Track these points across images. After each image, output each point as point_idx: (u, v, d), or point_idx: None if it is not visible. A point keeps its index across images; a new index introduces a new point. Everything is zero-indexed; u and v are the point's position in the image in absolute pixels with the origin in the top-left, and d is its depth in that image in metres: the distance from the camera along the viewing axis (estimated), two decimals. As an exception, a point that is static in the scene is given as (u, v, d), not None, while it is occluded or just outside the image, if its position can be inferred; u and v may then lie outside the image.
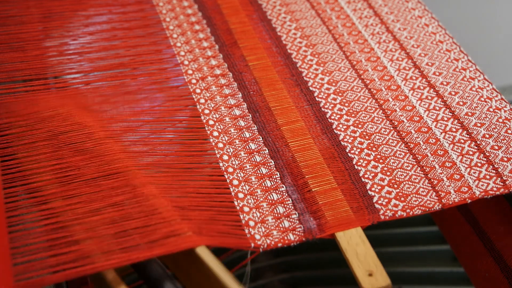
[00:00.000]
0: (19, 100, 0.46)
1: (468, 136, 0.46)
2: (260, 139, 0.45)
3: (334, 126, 0.47)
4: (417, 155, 0.45)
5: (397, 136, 0.46)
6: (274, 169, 0.44)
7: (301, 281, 0.58)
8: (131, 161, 0.42)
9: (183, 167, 0.43)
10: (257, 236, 0.39)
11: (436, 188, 0.43)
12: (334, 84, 0.50)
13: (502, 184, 0.43)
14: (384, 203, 0.42)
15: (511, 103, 0.49)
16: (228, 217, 0.40)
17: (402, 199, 0.42)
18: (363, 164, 0.44)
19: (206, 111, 0.47)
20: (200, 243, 0.37)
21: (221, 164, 0.43)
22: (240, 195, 0.42)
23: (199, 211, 0.39)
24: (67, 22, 0.54)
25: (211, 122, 0.46)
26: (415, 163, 0.44)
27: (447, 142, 0.46)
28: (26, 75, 0.48)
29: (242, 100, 0.48)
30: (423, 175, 0.44)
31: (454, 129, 0.47)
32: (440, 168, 0.44)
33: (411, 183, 0.43)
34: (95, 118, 0.45)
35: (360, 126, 0.47)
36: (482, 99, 0.49)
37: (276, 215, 0.41)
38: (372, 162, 0.44)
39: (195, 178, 0.42)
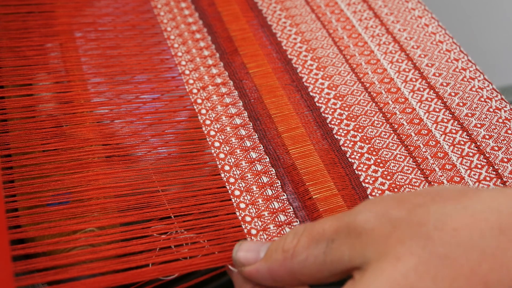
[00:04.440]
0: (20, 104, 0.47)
1: (468, 137, 0.46)
2: (261, 148, 0.46)
3: (334, 131, 0.47)
4: (417, 158, 0.45)
5: (397, 140, 0.47)
6: (275, 177, 0.44)
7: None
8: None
9: (184, 182, 0.43)
10: (259, 244, 0.40)
11: (436, 191, 0.43)
12: (334, 88, 0.50)
13: (502, 186, 0.43)
14: (384, 208, 0.42)
15: (511, 103, 0.49)
16: (230, 229, 0.41)
17: (402, 203, 0.42)
18: (364, 169, 0.45)
19: (208, 122, 0.47)
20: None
21: (222, 175, 0.44)
22: (242, 205, 0.42)
23: (203, 227, 0.40)
24: (69, 29, 0.54)
25: (212, 133, 0.47)
26: (415, 166, 0.45)
27: (447, 144, 0.46)
28: (27, 80, 0.49)
29: (243, 108, 0.49)
30: (423, 178, 0.44)
31: (454, 131, 0.47)
32: (440, 171, 0.44)
33: (411, 187, 0.44)
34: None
35: (360, 130, 0.47)
36: (482, 99, 0.49)
37: (278, 223, 0.41)
38: (373, 167, 0.45)
39: (196, 192, 0.43)
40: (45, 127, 0.45)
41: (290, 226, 0.41)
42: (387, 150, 0.46)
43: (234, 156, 0.45)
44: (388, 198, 0.32)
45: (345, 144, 0.46)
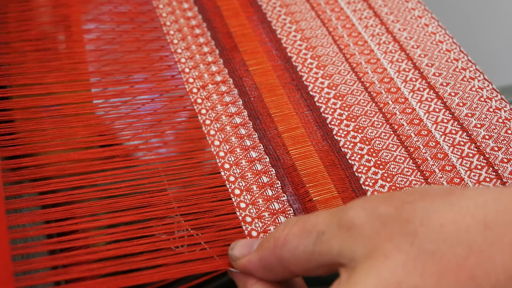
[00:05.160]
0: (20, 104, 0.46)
1: (468, 138, 0.46)
2: (261, 147, 0.46)
3: (334, 132, 0.47)
4: (417, 159, 0.45)
5: (397, 140, 0.46)
6: (275, 178, 0.44)
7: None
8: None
9: (184, 180, 0.43)
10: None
11: (436, 193, 0.43)
12: (334, 88, 0.50)
13: (502, 186, 0.43)
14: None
15: (511, 103, 0.49)
16: (231, 230, 0.40)
17: (402, 205, 0.42)
18: (364, 171, 0.45)
19: (208, 122, 0.47)
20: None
21: (222, 173, 0.44)
22: (242, 205, 0.42)
23: (203, 227, 0.40)
24: (67, 27, 0.54)
25: (212, 132, 0.46)
26: (415, 168, 0.45)
27: (447, 145, 0.46)
28: (25, 79, 0.48)
29: (242, 107, 0.48)
30: (423, 180, 0.44)
31: (454, 131, 0.47)
32: (440, 172, 0.44)
33: (411, 189, 0.43)
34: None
35: (360, 131, 0.47)
36: (482, 99, 0.49)
37: (278, 224, 0.41)
38: (373, 169, 0.45)
39: (196, 191, 0.42)
40: (45, 128, 0.45)
41: None
42: (387, 151, 0.46)
43: (234, 155, 0.45)
44: (379, 196, 0.33)
45: (345, 145, 0.46)
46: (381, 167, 0.45)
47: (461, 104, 0.49)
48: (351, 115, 0.48)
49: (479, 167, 0.45)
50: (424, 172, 0.44)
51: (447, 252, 0.28)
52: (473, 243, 0.28)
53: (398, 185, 0.44)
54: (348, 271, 0.30)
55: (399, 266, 0.29)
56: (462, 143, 0.46)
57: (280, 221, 0.41)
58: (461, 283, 0.28)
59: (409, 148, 0.46)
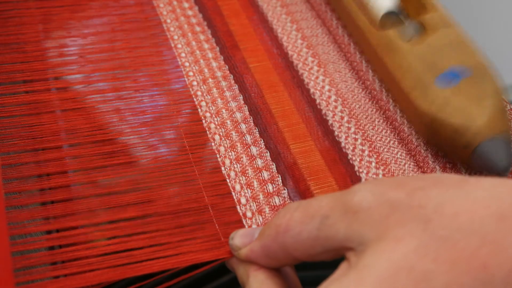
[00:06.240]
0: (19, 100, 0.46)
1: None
2: (261, 142, 0.45)
3: (335, 130, 0.47)
4: (417, 157, 0.45)
5: (398, 138, 0.46)
6: (276, 172, 0.44)
7: (303, 281, 0.58)
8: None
9: (184, 176, 0.43)
10: (260, 240, 0.39)
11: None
12: (334, 86, 0.50)
13: None
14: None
15: (511, 103, 0.49)
16: (231, 225, 0.40)
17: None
18: (364, 168, 0.44)
19: (208, 115, 0.47)
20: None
21: (222, 169, 0.44)
22: (243, 200, 0.42)
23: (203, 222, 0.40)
24: (67, 23, 0.54)
25: (212, 126, 0.46)
26: (417, 169, 0.45)
27: (448, 144, 0.46)
28: (26, 76, 0.48)
29: (243, 103, 0.48)
30: (424, 177, 0.44)
31: (454, 131, 0.47)
32: (441, 170, 0.44)
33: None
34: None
35: (361, 129, 0.47)
36: (483, 99, 0.49)
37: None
38: (373, 165, 0.45)
39: (196, 184, 0.42)
40: (44, 123, 0.45)
41: None
42: (387, 149, 0.46)
43: (234, 151, 0.45)
44: (386, 180, 0.32)
45: (346, 143, 0.46)
46: (382, 162, 0.45)
47: (461, 104, 0.48)
48: (351, 113, 0.48)
49: (479, 166, 0.44)
50: (426, 171, 0.44)
51: (460, 240, 0.28)
52: (487, 234, 0.28)
53: (399, 182, 0.43)
54: (357, 255, 0.30)
55: (411, 251, 0.28)
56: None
57: None
58: (473, 272, 0.28)
59: (409, 145, 0.46)
